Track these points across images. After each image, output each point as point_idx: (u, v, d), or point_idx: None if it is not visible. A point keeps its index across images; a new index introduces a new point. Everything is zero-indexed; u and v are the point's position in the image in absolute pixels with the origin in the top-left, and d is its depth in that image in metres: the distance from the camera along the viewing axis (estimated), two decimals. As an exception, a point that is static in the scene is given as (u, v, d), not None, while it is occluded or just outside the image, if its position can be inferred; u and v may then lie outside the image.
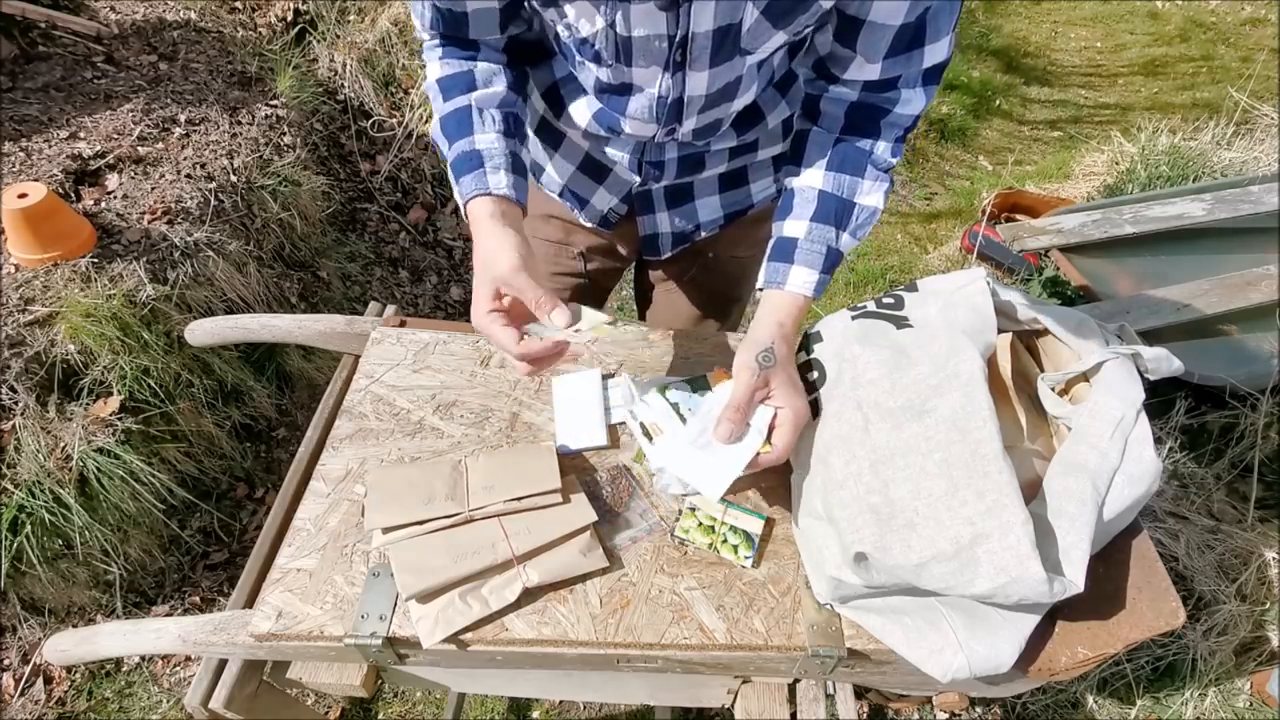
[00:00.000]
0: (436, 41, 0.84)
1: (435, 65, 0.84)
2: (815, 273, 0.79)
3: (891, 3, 0.69)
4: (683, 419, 0.83)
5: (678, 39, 0.71)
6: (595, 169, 1.00)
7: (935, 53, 0.74)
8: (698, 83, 0.77)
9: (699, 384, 0.89)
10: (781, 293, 0.80)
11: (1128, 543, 0.81)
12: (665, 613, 0.76)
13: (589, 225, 1.08)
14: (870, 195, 0.81)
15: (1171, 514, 1.68)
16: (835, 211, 0.80)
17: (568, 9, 0.71)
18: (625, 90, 0.80)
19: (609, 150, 0.95)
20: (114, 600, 1.63)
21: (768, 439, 0.77)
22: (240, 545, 1.81)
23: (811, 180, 0.82)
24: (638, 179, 0.97)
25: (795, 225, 0.81)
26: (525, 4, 0.79)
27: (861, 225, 0.82)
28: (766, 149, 0.99)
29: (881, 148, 0.81)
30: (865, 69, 0.76)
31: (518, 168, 0.81)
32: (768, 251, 0.83)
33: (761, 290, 0.82)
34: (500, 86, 0.83)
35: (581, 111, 0.89)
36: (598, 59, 0.76)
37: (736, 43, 0.72)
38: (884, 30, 0.71)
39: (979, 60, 4.20)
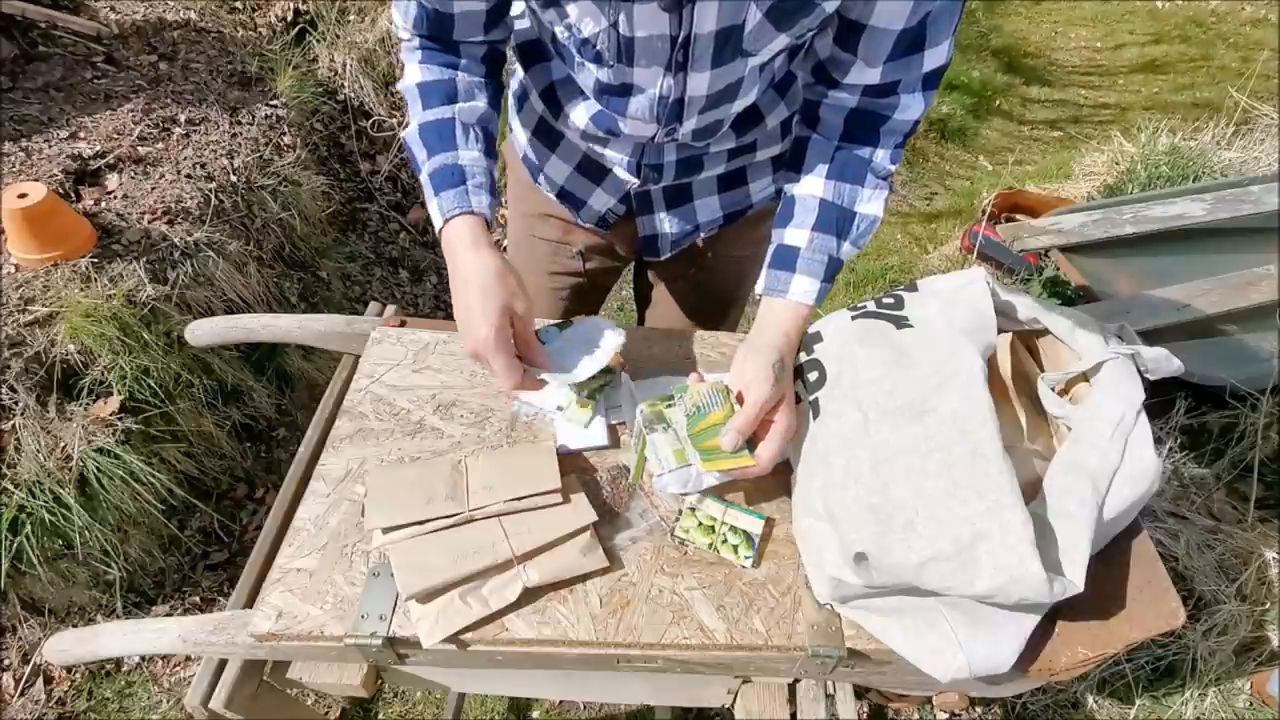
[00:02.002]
0: (416, 42, 0.83)
1: (415, 68, 0.83)
2: (817, 281, 0.80)
3: (893, 7, 0.69)
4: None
5: (680, 39, 0.71)
6: (593, 170, 1.00)
7: (935, 57, 0.74)
8: (699, 83, 0.77)
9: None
10: (784, 301, 0.81)
11: (1128, 543, 0.81)
12: (665, 613, 0.76)
13: (587, 225, 1.08)
14: (870, 203, 0.82)
15: (1171, 514, 1.68)
16: (837, 221, 0.81)
17: (570, 9, 0.70)
18: (625, 91, 0.80)
19: (607, 152, 0.95)
20: (114, 600, 1.63)
21: (751, 450, 0.78)
22: (240, 545, 1.80)
23: (812, 189, 0.82)
24: (636, 181, 0.97)
25: (797, 234, 0.82)
26: (510, 5, 0.79)
27: (862, 234, 0.83)
28: (765, 150, 0.99)
29: (881, 155, 0.81)
30: (865, 73, 0.76)
31: (494, 189, 0.82)
32: (768, 258, 0.83)
33: (761, 296, 0.82)
34: (482, 102, 0.83)
35: (580, 113, 0.89)
36: (598, 60, 0.76)
37: (739, 44, 0.72)
38: (885, 34, 0.71)
39: (979, 60, 4.20)
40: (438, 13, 0.78)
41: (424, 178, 0.82)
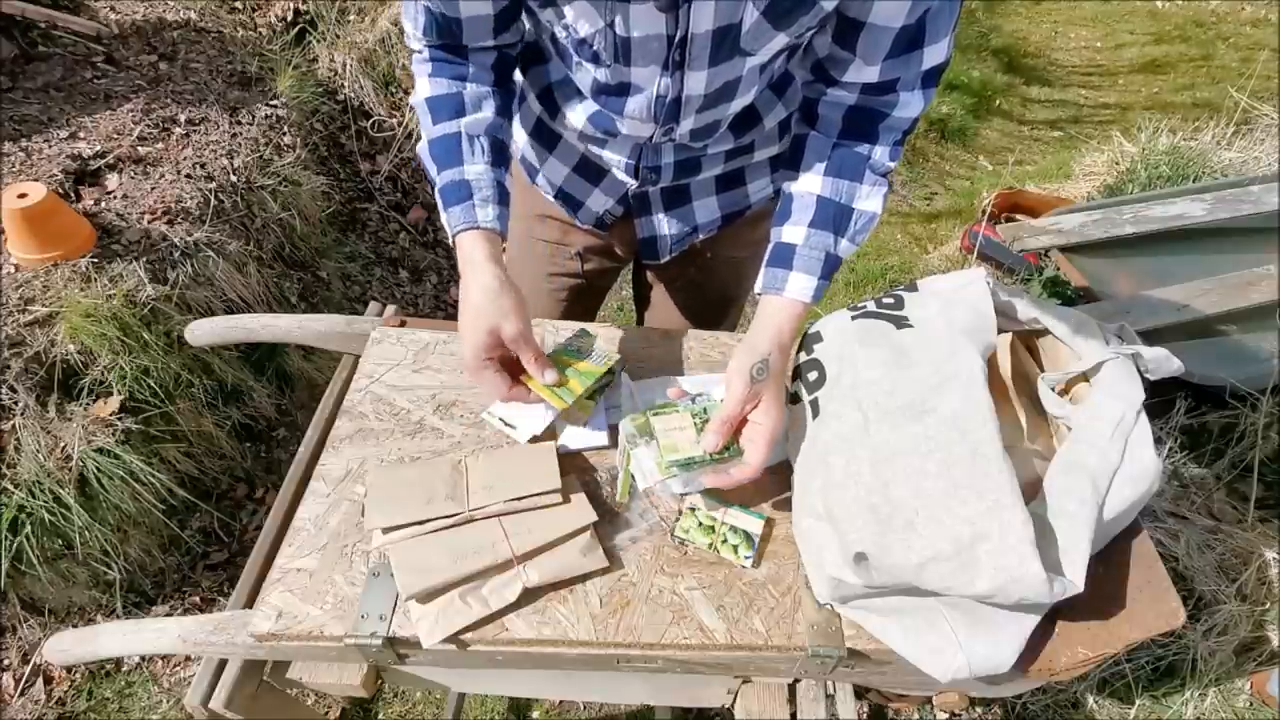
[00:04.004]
0: (426, 55, 0.83)
1: (424, 82, 0.83)
2: (814, 279, 0.79)
3: (892, 4, 0.69)
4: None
5: (677, 39, 0.71)
6: (591, 171, 1.00)
7: (934, 54, 0.74)
8: (696, 82, 0.77)
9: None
10: (780, 299, 0.80)
11: (1128, 543, 0.81)
12: (665, 613, 0.76)
13: (585, 227, 1.08)
14: (868, 200, 0.81)
15: (1171, 514, 1.68)
16: (834, 217, 0.81)
17: (566, 9, 0.71)
18: (623, 91, 0.80)
19: (605, 153, 0.95)
20: (114, 600, 1.63)
21: (737, 451, 0.79)
22: (240, 545, 1.80)
23: (810, 185, 0.82)
24: (634, 182, 0.97)
25: (794, 231, 0.81)
26: (521, 9, 0.79)
27: (860, 231, 0.82)
28: (763, 150, 0.99)
29: (879, 152, 0.80)
30: (864, 71, 0.75)
31: (503, 198, 0.83)
32: (766, 256, 0.83)
33: (759, 295, 0.82)
34: (489, 112, 0.83)
35: (578, 114, 0.89)
36: (596, 59, 0.76)
37: (736, 43, 0.72)
38: (884, 32, 0.71)
39: (979, 60, 4.20)
40: (445, 17, 0.78)
41: (436, 193, 0.83)
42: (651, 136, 0.87)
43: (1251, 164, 2.83)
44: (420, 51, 0.84)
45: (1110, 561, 0.79)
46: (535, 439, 0.89)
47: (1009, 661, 0.70)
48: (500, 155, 0.85)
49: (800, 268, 0.80)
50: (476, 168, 0.81)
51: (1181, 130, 3.04)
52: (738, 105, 0.84)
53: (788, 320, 0.80)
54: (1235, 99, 3.11)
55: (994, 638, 0.70)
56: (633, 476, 0.82)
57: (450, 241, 0.82)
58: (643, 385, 0.94)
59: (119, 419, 1.53)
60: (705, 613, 0.76)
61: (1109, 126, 3.66)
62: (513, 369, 0.83)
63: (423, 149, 0.84)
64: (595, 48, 0.74)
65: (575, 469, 0.87)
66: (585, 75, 0.81)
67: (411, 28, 0.82)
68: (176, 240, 1.70)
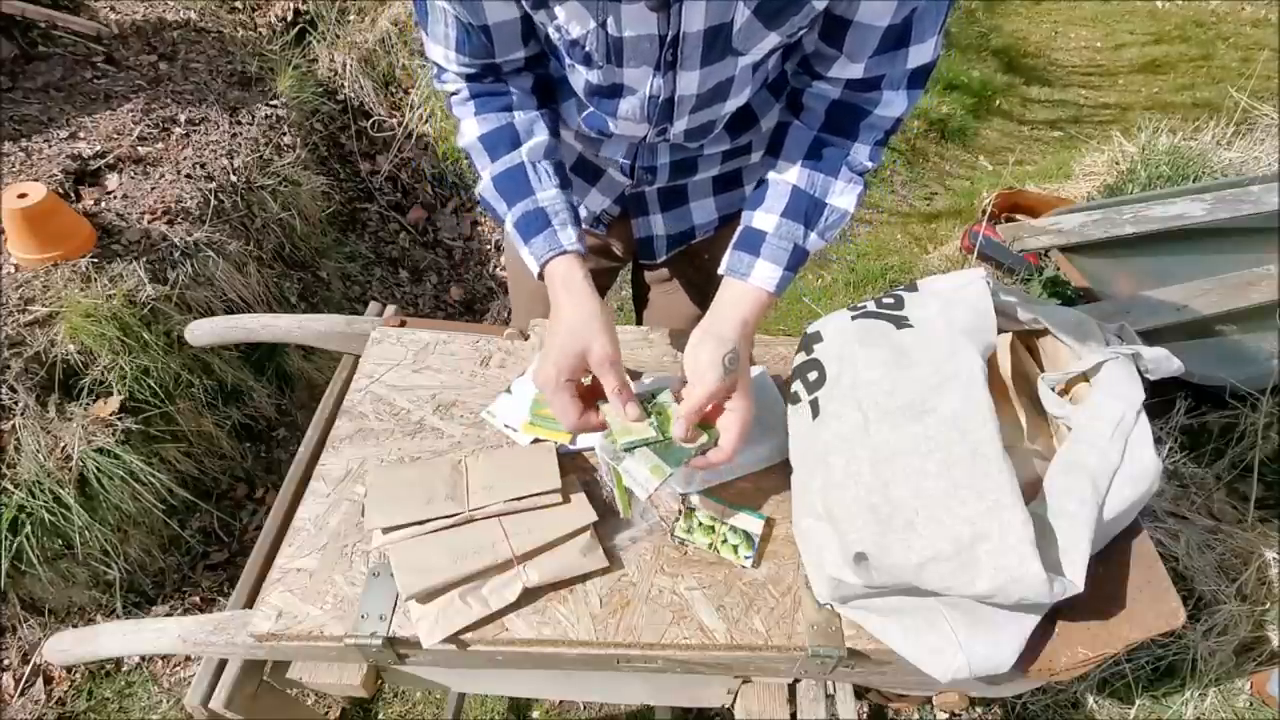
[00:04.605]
0: (466, 93, 0.83)
1: (471, 122, 0.83)
2: (779, 269, 0.79)
3: (878, 3, 0.69)
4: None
5: (669, 39, 0.71)
6: (588, 170, 1.00)
7: (920, 54, 0.74)
8: (689, 82, 0.77)
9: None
10: (745, 285, 0.80)
11: (1128, 543, 0.81)
12: (665, 613, 0.76)
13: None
14: (842, 197, 0.82)
15: (1171, 514, 1.68)
16: (806, 210, 0.81)
17: (558, 10, 0.70)
18: (616, 93, 0.80)
19: (602, 153, 0.95)
20: (114, 600, 1.63)
21: (715, 439, 0.78)
22: (240, 545, 1.80)
23: (786, 174, 0.82)
24: (630, 182, 0.97)
25: (765, 218, 0.81)
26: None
27: (830, 226, 0.82)
28: (760, 151, 0.99)
29: (859, 150, 0.81)
30: (849, 68, 0.75)
31: (576, 219, 0.82)
32: (734, 238, 0.83)
33: (722, 274, 0.82)
34: (544, 135, 0.84)
35: (572, 114, 0.89)
36: (588, 60, 0.76)
37: (728, 43, 0.72)
38: (870, 30, 0.71)
39: (979, 60, 4.20)
40: (474, 28, 0.77)
41: (509, 228, 0.82)
42: (645, 137, 0.87)
43: (1251, 164, 2.83)
44: (458, 92, 0.84)
45: (1110, 561, 0.79)
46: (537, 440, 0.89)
47: (1009, 661, 0.70)
48: (564, 178, 0.85)
49: (767, 256, 0.80)
50: (548, 193, 0.81)
51: (1181, 130, 3.04)
52: (732, 105, 0.84)
53: (751, 308, 0.79)
54: (1235, 99, 3.11)
55: (994, 638, 0.70)
56: (629, 490, 0.82)
57: (534, 274, 0.81)
58: (640, 386, 0.94)
59: (119, 419, 1.53)
60: (705, 613, 0.76)
61: (1109, 126, 3.66)
62: (587, 399, 0.81)
63: (485, 189, 0.84)
64: (587, 48, 0.74)
65: (575, 469, 0.87)
66: (578, 78, 0.81)
67: (444, 56, 0.81)
68: (176, 240, 1.70)
